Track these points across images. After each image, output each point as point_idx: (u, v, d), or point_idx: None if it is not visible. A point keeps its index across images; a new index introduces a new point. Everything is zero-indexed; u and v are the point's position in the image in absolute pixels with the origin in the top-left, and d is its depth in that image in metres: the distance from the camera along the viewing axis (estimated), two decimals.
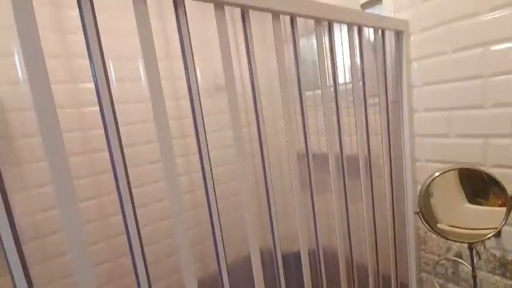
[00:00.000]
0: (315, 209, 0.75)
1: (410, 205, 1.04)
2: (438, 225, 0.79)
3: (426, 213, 0.79)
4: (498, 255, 0.85)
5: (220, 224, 0.57)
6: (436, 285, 0.96)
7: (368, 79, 0.86)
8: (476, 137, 0.85)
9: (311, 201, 0.74)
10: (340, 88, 0.79)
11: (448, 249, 0.96)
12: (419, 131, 0.99)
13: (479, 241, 0.75)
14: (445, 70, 0.89)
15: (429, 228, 0.79)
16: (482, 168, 0.77)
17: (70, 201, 0.38)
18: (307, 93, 0.75)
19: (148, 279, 0.48)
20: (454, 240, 0.79)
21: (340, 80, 0.82)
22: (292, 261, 0.91)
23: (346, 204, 0.84)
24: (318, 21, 0.70)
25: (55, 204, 0.37)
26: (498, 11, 0.76)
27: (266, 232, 0.68)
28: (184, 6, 0.50)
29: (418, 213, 0.79)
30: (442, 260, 0.98)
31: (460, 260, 0.90)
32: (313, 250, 0.77)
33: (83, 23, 0.39)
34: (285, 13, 0.63)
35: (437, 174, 0.77)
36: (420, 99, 0.97)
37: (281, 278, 0.69)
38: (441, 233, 0.78)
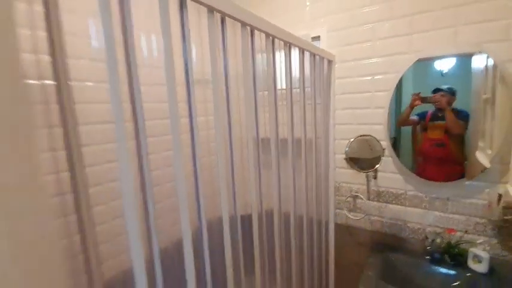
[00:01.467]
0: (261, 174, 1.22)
1: (332, 165, 1.64)
2: (354, 165, 1.40)
3: (349, 160, 1.39)
4: (375, 189, 1.52)
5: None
6: (346, 213, 1.60)
7: (308, 86, 1.39)
8: (366, 124, 1.50)
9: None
10: (284, 92, 1.25)
11: (350, 191, 1.61)
12: (338, 121, 1.60)
13: (370, 171, 1.38)
14: (352, 86, 1.51)
15: (352, 165, 1.39)
16: (370, 136, 1.42)
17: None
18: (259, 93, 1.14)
19: None
20: (364, 171, 1.41)
21: (284, 85, 1.26)
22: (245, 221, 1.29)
23: (294, 174, 1.36)
24: (274, 39, 0.99)
25: None
26: (380, 58, 1.41)
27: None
28: None
29: (346, 159, 1.38)
30: (348, 198, 1.62)
31: (358, 194, 1.54)
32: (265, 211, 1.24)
33: None
34: (249, 26, 0.82)
35: (352, 139, 1.37)
36: (339, 101, 1.58)
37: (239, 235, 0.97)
38: (356, 168, 1.39)
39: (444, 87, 1.29)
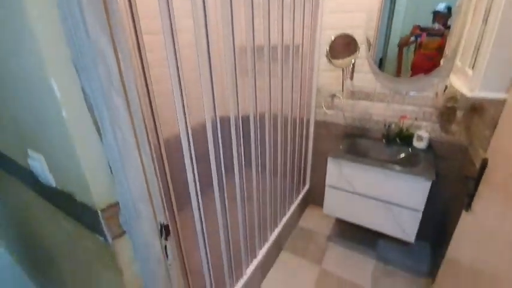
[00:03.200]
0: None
1: (316, 68, 1.84)
2: (333, 61, 1.60)
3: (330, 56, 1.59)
4: (351, 89, 1.78)
5: None
6: (325, 110, 1.88)
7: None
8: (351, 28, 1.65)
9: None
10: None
11: (330, 92, 1.86)
12: (325, 26, 1.73)
13: (347, 66, 1.61)
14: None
15: (331, 61, 1.60)
16: (350, 36, 1.59)
17: None
18: None
19: None
20: (340, 67, 1.64)
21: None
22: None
23: (282, 78, 1.55)
24: None
25: None
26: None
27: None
28: None
29: (327, 55, 1.58)
30: (327, 98, 1.88)
31: (336, 94, 1.80)
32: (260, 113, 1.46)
33: None
34: None
35: (333, 37, 1.55)
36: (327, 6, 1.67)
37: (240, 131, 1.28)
38: (336, 64, 1.60)
39: (441, 7, 1.40)
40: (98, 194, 0.53)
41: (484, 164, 0.82)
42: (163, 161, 0.83)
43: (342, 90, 1.76)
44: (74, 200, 0.58)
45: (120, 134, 0.49)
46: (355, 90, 1.76)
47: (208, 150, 1.03)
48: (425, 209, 1.44)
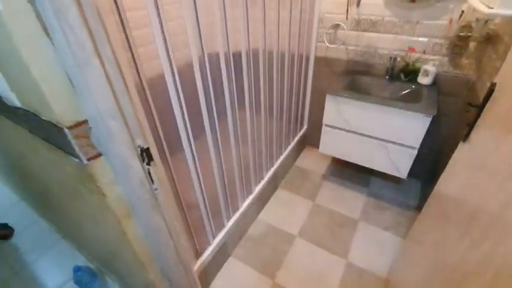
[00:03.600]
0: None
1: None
2: None
3: None
4: (356, 18, 1.59)
5: None
6: (327, 44, 1.73)
7: None
8: None
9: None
10: None
11: (333, 21, 1.67)
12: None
13: None
14: None
15: None
16: None
17: None
18: None
19: None
20: None
21: None
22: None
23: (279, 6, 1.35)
24: None
25: None
26: None
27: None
28: None
29: None
30: (329, 29, 1.71)
31: (340, 23, 1.62)
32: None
33: None
34: None
35: None
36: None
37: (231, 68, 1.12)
38: None
39: None
40: (61, 110, 0.48)
41: (492, 88, 0.75)
42: (147, 98, 0.77)
43: (347, 18, 1.58)
44: (40, 120, 0.53)
45: (73, 36, 0.41)
46: (361, 19, 1.58)
47: (197, 90, 0.96)
48: (420, 146, 1.41)
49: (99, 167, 0.57)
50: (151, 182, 0.66)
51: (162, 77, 0.81)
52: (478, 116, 0.83)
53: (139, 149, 0.60)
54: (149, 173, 0.65)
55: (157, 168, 0.69)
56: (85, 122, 0.51)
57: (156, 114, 0.83)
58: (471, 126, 0.86)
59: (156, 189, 0.69)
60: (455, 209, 0.81)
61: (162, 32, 0.73)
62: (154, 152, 0.79)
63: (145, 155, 0.62)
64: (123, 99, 0.52)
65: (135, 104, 0.57)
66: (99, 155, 0.56)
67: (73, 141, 0.51)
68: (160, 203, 0.72)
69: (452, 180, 0.92)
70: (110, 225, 0.72)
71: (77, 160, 0.55)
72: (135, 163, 0.59)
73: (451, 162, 0.99)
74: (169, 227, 0.77)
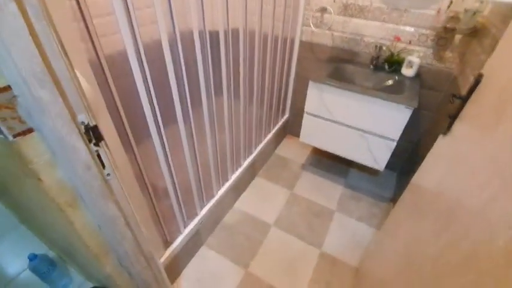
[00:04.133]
0: None
1: None
2: None
3: None
4: (344, 2, 1.51)
5: None
6: (312, 28, 1.64)
7: None
8: None
9: None
10: None
11: (320, 6, 1.59)
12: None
13: None
14: None
15: None
16: None
17: None
18: None
19: None
20: None
21: None
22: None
23: None
24: None
25: None
26: None
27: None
28: None
29: None
30: (316, 12, 1.62)
31: (327, 7, 1.54)
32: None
33: None
34: None
35: None
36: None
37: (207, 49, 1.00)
38: None
39: None
40: None
41: (479, 79, 0.71)
42: (104, 73, 0.66)
43: (334, 1, 1.50)
44: None
45: None
46: (349, 4, 1.51)
47: (167, 71, 0.85)
48: (399, 139, 1.39)
49: (31, 145, 0.47)
50: (101, 166, 0.57)
51: (123, 54, 0.70)
52: (461, 107, 0.79)
53: (82, 127, 0.50)
54: (98, 155, 0.56)
55: (111, 150, 0.59)
56: (6, 88, 0.41)
57: (116, 93, 0.72)
58: (453, 118, 0.82)
59: (108, 175, 0.59)
60: (432, 203, 0.78)
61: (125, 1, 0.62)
62: (110, 132, 0.69)
63: (92, 134, 0.52)
64: (57, 62, 0.42)
65: (81, 77, 0.47)
66: (30, 130, 0.46)
67: None
68: (114, 190, 0.63)
69: (430, 174, 0.90)
70: (54, 214, 0.62)
71: (1, 136, 0.45)
72: (78, 143, 0.50)
73: (429, 155, 0.97)
74: (127, 216, 0.69)
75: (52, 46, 0.40)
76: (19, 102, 0.43)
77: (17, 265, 1.30)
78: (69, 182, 0.55)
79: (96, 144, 0.54)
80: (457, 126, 0.81)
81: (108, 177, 0.60)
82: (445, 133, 0.87)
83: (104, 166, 0.58)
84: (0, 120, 0.42)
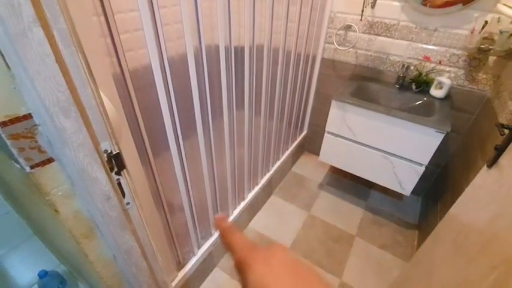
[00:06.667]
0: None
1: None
2: None
3: None
4: (370, 20, 1.47)
5: None
6: (335, 45, 1.60)
7: None
8: None
9: None
10: None
11: (344, 21, 1.54)
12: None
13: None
14: None
15: None
16: None
17: None
18: None
19: None
20: None
21: None
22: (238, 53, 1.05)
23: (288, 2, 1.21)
24: None
25: None
26: None
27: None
28: None
29: None
30: (339, 30, 1.58)
31: (352, 24, 1.49)
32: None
33: None
34: None
35: None
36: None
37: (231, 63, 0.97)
38: None
39: None
40: None
41: None
42: (129, 92, 0.63)
43: (361, 19, 1.45)
44: None
45: None
46: (375, 22, 1.45)
47: (191, 84, 0.82)
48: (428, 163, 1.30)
49: (49, 176, 0.43)
50: (121, 195, 0.52)
51: (148, 67, 0.67)
52: (510, 139, 0.71)
53: (105, 155, 0.46)
54: (119, 183, 0.51)
55: (132, 177, 0.55)
56: (27, 117, 0.37)
57: (137, 106, 0.69)
58: (501, 150, 0.74)
59: (128, 204, 0.55)
60: (483, 247, 0.69)
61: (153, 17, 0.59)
62: (130, 154, 0.65)
63: (114, 162, 0.48)
64: (84, 90, 0.38)
65: (105, 98, 0.43)
66: (50, 160, 0.42)
67: (9, 142, 0.37)
68: (133, 219, 0.58)
69: (475, 210, 0.80)
70: (70, 242, 0.58)
71: (17, 166, 0.41)
72: (99, 173, 0.45)
73: (470, 187, 0.87)
74: (144, 245, 0.63)
75: (80, 73, 0.37)
76: (40, 131, 0.39)
77: (27, 277, 1.27)
78: (86, 213, 0.50)
79: (118, 173, 0.50)
80: (505, 159, 0.73)
81: (128, 206, 0.55)
82: (490, 166, 0.78)
83: (124, 195, 0.53)
84: (18, 150, 0.39)
